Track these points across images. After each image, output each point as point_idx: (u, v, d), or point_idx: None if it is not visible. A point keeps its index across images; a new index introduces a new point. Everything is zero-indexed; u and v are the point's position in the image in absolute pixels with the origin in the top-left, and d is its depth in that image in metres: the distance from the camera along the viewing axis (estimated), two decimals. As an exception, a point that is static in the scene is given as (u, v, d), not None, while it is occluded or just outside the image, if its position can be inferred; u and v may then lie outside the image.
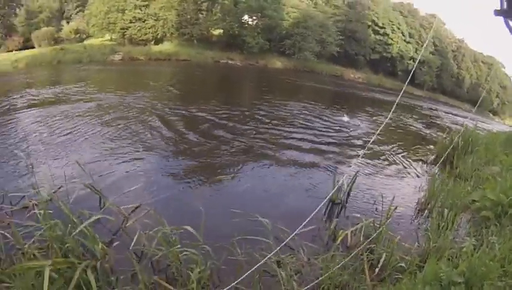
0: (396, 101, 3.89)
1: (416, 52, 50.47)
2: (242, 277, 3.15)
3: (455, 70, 55.41)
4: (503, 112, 65.88)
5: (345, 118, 14.77)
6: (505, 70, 68.06)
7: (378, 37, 48.02)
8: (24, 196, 5.16)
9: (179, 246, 3.74)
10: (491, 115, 58.79)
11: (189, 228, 3.92)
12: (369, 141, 2.85)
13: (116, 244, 4.29)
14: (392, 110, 4.00)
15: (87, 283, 3.15)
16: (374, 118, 17.49)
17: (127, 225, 4.64)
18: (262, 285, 3.70)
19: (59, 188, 5.40)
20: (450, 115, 27.95)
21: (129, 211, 5.02)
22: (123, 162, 7.06)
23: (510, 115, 69.32)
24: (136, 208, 5.14)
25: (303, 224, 3.44)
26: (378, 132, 3.35)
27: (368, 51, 47.08)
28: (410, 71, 23.68)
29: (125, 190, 5.79)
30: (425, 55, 50.59)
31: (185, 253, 3.71)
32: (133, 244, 4.03)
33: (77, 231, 3.58)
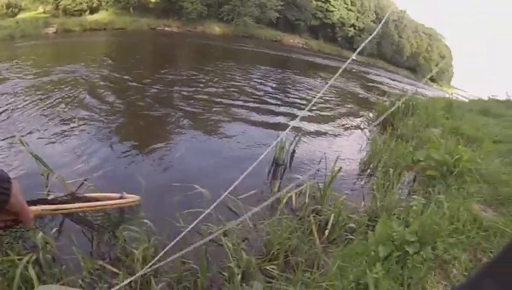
0: (343, 67, 3.74)
1: (357, 20, 51.53)
2: (187, 249, 2.92)
3: (396, 39, 57.38)
4: (441, 80, 69.79)
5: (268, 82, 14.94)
6: (445, 41, 71.79)
7: (319, 3, 48.54)
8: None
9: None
10: (429, 81, 61.88)
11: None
12: (310, 103, 2.68)
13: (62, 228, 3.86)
14: (337, 74, 3.83)
15: (31, 279, 2.78)
16: (317, 80, 18.14)
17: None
18: (209, 256, 3.50)
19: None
20: (390, 80, 29.01)
21: (75, 187, 4.53)
22: (60, 137, 6.55)
23: (447, 82, 73.71)
24: (83, 182, 4.70)
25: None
26: (320, 94, 3.20)
27: (308, 16, 47.64)
28: (350, 38, 24.33)
29: (65, 165, 5.35)
30: (367, 23, 51.80)
31: (126, 231, 3.41)
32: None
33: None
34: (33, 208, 1.19)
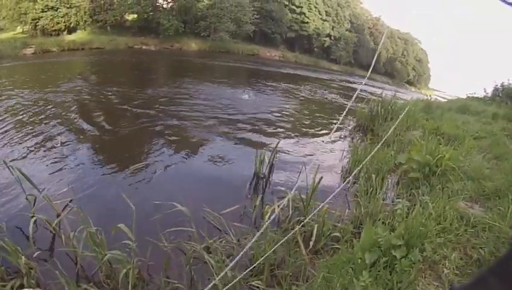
0: (359, 89, 3.64)
1: (332, 29, 52.40)
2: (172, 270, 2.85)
3: (371, 46, 58.35)
4: (419, 83, 71.20)
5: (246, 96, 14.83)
6: (421, 45, 73.35)
7: (294, 16, 49.36)
8: None
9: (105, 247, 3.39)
10: (407, 85, 63.07)
11: (122, 226, 3.42)
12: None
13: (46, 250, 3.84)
14: (353, 98, 3.71)
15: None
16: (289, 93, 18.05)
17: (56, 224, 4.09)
18: (194, 274, 3.46)
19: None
20: (368, 86, 29.37)
21: (61, 208, 4.47)
22: (43, 158, 6.44)
23: (426, 84, 75.31)
24: (69, 202, 4.62)
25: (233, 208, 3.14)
26: (343, 115, 3.14)
27: (284, 29, 48.33)
28: (326, 48, 24.63)
29: (50, 187, 5.22)
30: (342, 32, 52.75)
31: (109, 254, 3.32)
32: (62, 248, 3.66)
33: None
34: None
